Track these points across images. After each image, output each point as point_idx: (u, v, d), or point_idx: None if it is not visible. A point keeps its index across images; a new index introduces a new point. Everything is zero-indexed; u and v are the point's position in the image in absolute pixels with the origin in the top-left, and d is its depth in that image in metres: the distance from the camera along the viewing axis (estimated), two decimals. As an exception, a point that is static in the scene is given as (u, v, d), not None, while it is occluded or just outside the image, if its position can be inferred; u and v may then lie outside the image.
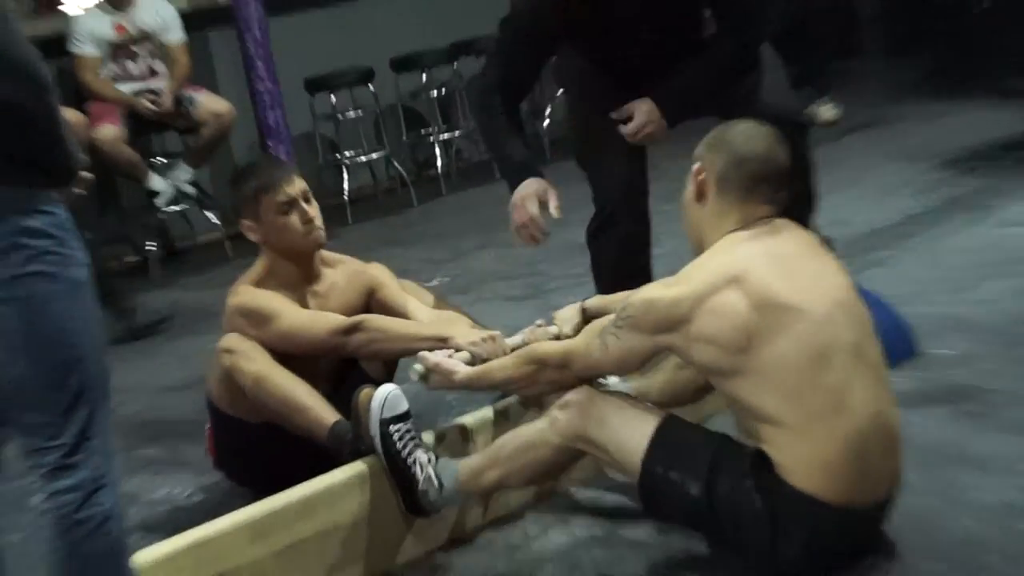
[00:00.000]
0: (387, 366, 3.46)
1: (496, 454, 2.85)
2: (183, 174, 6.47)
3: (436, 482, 2.83)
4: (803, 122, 3.72)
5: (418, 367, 3.01)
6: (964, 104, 7.12)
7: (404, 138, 7.66)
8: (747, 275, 2.45)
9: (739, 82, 3.43)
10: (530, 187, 3.40)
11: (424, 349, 3.04)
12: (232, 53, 6.99)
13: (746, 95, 3.41)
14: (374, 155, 7.46)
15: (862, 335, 2.53)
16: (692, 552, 2.73)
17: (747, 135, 2.63)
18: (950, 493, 2.81)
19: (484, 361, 2.98)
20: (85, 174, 2.26)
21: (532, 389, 2.90)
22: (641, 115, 3.44)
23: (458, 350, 3.02)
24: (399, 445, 2.83)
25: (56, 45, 5.97)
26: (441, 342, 3.06)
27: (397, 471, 2.84)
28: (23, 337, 2.08)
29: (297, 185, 3.25)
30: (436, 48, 7.50)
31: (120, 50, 6.28)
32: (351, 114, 7.26)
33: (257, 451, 3.24)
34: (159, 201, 6.41)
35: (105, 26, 6.23)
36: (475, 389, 3.11)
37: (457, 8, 7.81)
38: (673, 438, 2.59)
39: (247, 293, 3.24)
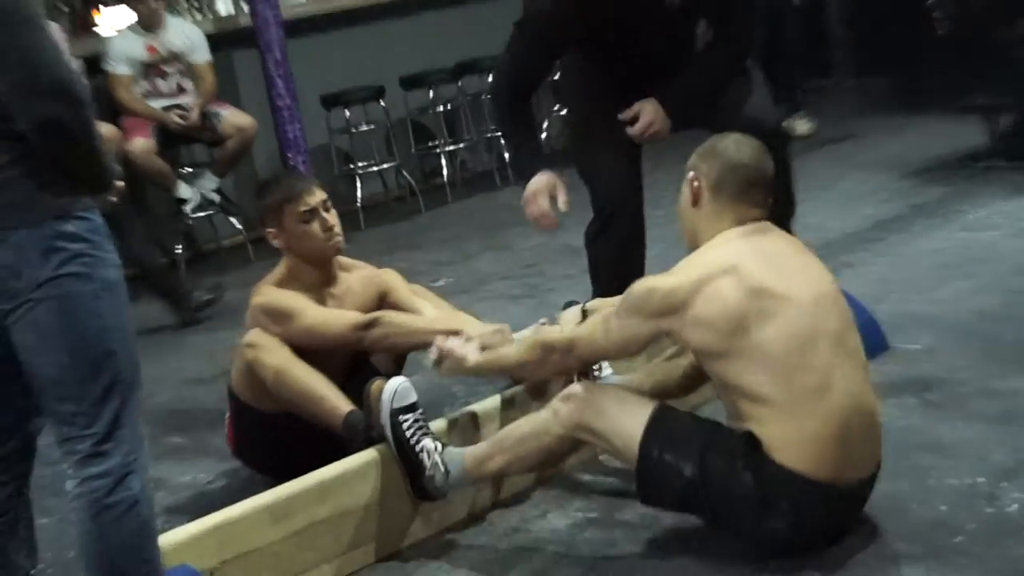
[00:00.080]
0: (396, 361, 3.43)
1: (500, 443, 2.82)
2: (209, 183, 6.46)
3: (442, 469, 2.81)
4: (784, 133, 3.70)
5: (432, 353, 2.99)
6: (927, 119, 7.12)
7: (413, 150, 7.64)
8: (740, 266, 2.49)
9: (724, 93, 3.43)
10: (540, 182, 3.39)
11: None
12: (254, 72, 6.98)
13: (729, 106, 3.41)
14: (385, 165, 7.44)
15: (844, 326, 2.55)
16: (684, 535, 2.69)
17: (738, 145, 2.68)
18: (921, 478, 2.79)
19: None
20: (118, 183, 2.26)
21: (539, 373, 2.91)
22: (647, 114, 3.41)
23: (469, 340, 3.00)
24: (408, 434, 2.83)
25: (92, 64, 5.93)
26: (453, 334, 3.04)
27: (405, 458, 2.83)
28: (59, 333, 2.08)
29: (317, 195, 3.24)
30: (442, 68, 7.49)
31: (151, 69, 6.27)
32: (364, 128, 7.24)
33: (274, 439, 3.21)
34: (186, 208, 6.40)
35: (137, 47, 6.21)
36: (485, 374, 3.13)
37: (461, 31, 7.82)
38: (667, 423, 2.58)
39: (270, 293, 3.23)
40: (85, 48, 6.18)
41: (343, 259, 3.39)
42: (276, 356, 3.09)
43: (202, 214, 6.59)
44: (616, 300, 2.91)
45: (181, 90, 6.33)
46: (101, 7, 6.99)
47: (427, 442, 2.82)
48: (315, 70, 7.14)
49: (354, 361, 3.34)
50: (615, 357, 2.87)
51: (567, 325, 3.09)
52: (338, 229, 3.26)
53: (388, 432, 2.84)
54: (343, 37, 7.53)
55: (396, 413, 2.83)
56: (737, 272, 2.46)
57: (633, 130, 3.42)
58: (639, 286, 2.60)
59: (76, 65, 4.90)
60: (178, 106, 6.25)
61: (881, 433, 2.58)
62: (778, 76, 6.14)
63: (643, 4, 3.32)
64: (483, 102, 7.81)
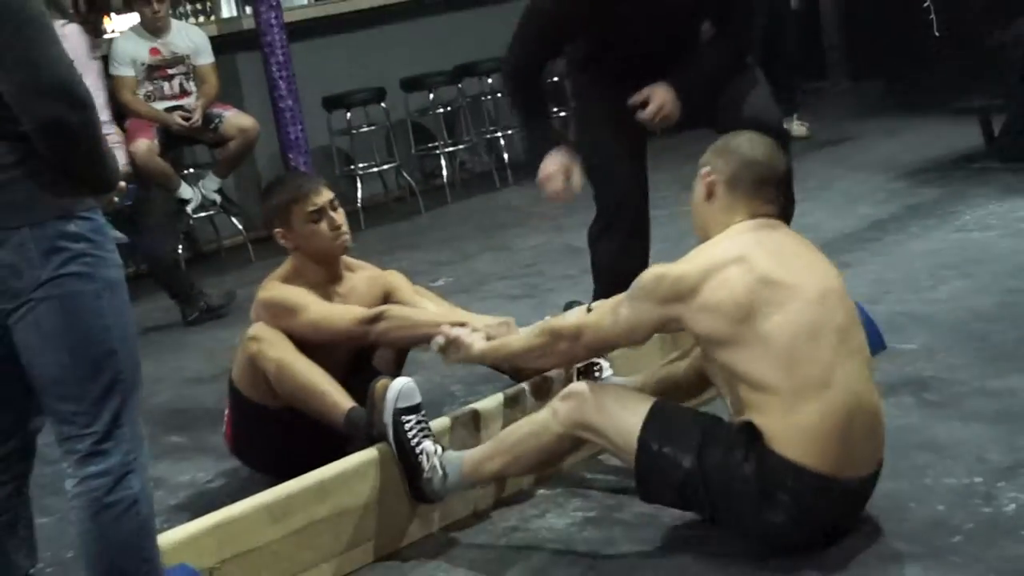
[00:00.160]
0: (396, 361, 3.42)
1: (499, 444, 2.79)
2: (211, 183, 6.44)
3: (440, 472, 2.79)
4: (786, 133, 3.70)
5: (439, 339, 2.99)
6: (922, 121, 7.11)
7: (413, 151, 7.62)
8: (749, 256, 2.50)
9: (723, 90, 3.44)
10: (554, 163, 3.42)
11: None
12: (257, 74, 6.98)
13: (731, 105, 3.40)
14: (385, 166, 7.43)
15: (849, 322, 2.54)
16: (683, 534, 2.67)
17: (752, 143, 2.70)
18: (918, 477, 2.77)
19: None
20: (121, 184, 2.24)
21: (545, 361, 2.89)
22: (658, 97, 3.39)
23: (475, 330, 2.99)
24: (409, 434, 2.81)
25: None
26: (460, 326, 3.03)
27: (405, 459, 2.81)
28: (60, 333, 2.07)
29: (325, 195, 3.23)
30: (442, 70, 7.47)
31: (155, 71, 6.26)
32: (364, 129, 7.23)
33: (274, 435, 3.19)
34: (188, 208, 6.38)
35: (142, 50, 6.20)
36: (490, 362, 3.13)
37: (460, 35, 7.80)
38: (666, 417, 2.57)
39: (277, 288, 3.22)
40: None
41: (349, 259, 3.38)
42: (279, 350, 3.08)
43: (203, 214, 6.58)
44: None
45: (184, 92, 6.31)
46: (112, 15, 6.98)
47: (427, 445, 2.80)
48: (317, 72, 7.13)
49: (356, 359, 3.32)
50: (622, 344, 2.82)
51: None
52: (345, 228, 3.25)
53: (389, 431, 2.82)
54: (345, 40, 7.53)
55: (399, 413, 2.81)
56: (746, 262, 2.48)
57: (644, 114, 3.40)
58: (649, 273, 2.60)
59: (97, 67, 4.90)
60: (181, 108, 6.24)
61: (883, 432, 2.56)
62: (777, 78, 6.13)
63: (644, 3, 3.30)
64: (482, 104, 7.82)
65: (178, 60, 6.27)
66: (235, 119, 6.31)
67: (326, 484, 2.74)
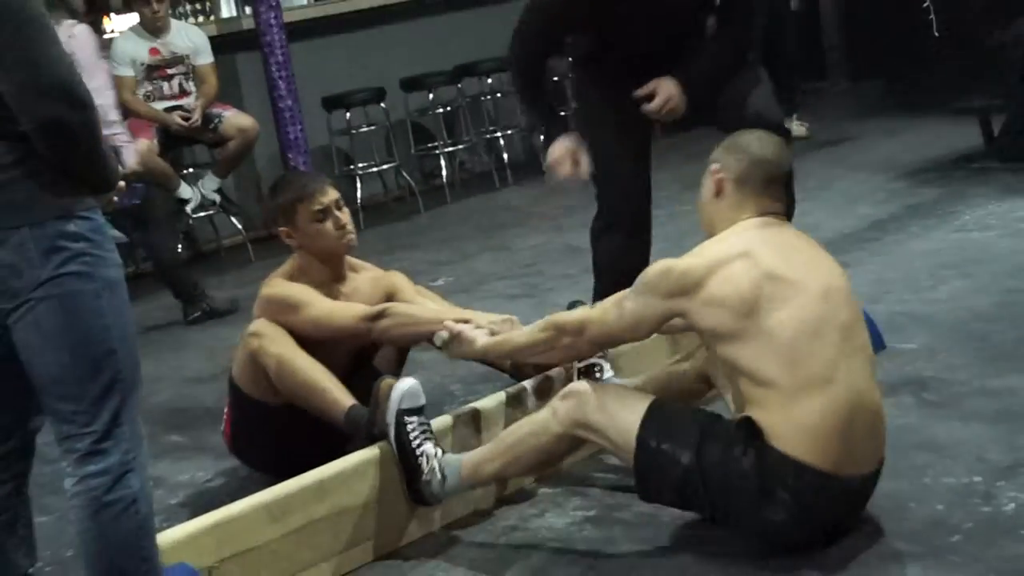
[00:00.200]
0: (397, 361, 3.41)
1: (497, 446, 2.79)
2: (210, 183, 6.45)
3: (439, 475, 2.78)
4: (787, 131, 3.70)
5: (442, 334, 2.98)
6: (921, 121, 7.11)
7: (412, 151, 7.62)
8: (754, 252, 2.50)
9: (725, 88, 3.44)
10: (562, 147, 3.45)
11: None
12: (257, 74, 6.98)
13: (732, 104, 3.40)
14: (385, 166, 7.43)
15: (853, 319, 2.55)
16: (683, 533, 2.67)
17: (761, 141, 2.71)
18: (918, 477, 2.76)
19: None
20: (120, 183, 2.25)
21: (549, 356, 2.88)
22: (664, 90, 3.40)
23: (479, 327, 2.99)
24: (411, 436, 2.81)
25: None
26: (463, 322, 3.03)
27: (405, 460, 2.81)
28: (60, 332, 2.07)
29: (330, 194, 3.24)
30: (441, 70, 7.47)
31: (155, 71, 6.26)
32: (364, 129, 7.23)
33: (273, 432, 3.19)
34: (187, 208, 6.38)
35: (141, 50, 6.20)
36: (493, 357, 3.12)
37: (460, 35, 7.81)
38: (664, 414, 2.57)
39: (281, 284, 3.22)
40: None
41: (352, 260, 3.38)
42: (280, 346, 3.08)
43: (203, 214, 6.58)
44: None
45: (184, 92, 6.31)
46: (111, 14, 6.99)
47: (428, 447, 2.80)
48: (316, 72, 7.13)
49: (357, 359, 3.32)
50: (627, 339, 2.81)
51: None
52: (351, 228, 3.26)
53: (391, 431, 2.82)
54: (344, 40, 7.53)
55: (402, 414, 2.81)
56: (751, 257, 2.48)
57: (650, 107, 3.41)
58: (655, 267, 2.61)
59: (107, 67, 4.90)
60: (181, 108, 6.24)
61: (885, 431, 2.55)
62: (777, 78, 6.13)
63: (644, 3, 3.30)
64: (482, 104, 7.82)
65: (177, 60, 6.27)
66: (234, 119, 6.31)
67: (325, 483, 2.74)
